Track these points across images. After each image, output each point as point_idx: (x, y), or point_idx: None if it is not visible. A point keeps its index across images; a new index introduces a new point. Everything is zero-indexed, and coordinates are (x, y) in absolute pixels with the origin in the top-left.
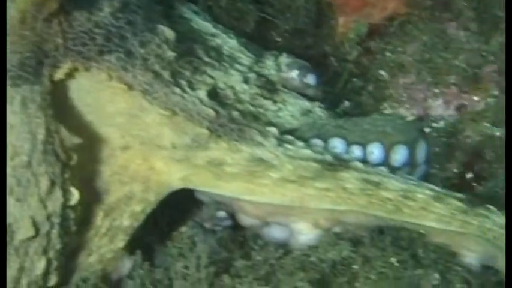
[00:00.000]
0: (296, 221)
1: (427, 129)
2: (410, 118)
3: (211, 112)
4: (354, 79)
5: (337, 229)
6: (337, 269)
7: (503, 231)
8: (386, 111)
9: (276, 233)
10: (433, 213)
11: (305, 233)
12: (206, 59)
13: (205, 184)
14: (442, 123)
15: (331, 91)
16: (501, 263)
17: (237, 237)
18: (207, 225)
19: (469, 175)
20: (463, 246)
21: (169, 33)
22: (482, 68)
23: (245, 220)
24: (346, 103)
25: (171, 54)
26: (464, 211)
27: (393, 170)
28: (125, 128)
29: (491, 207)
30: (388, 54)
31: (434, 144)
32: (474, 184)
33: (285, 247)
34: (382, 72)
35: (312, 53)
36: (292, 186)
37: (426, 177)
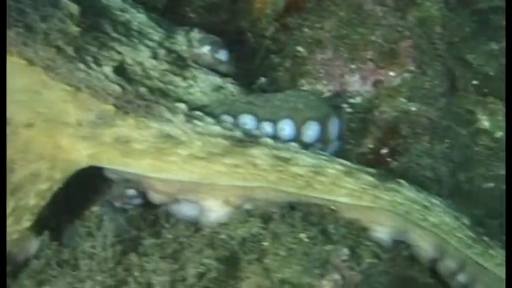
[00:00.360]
0: (206, 199)
1: (343, 105)
2: (327, 94)
3: (117, 88)
4: (271, 55)
5: (247, 206)
6: (247, 246)
7: (415, 206)
8: (304, 88)
9: (186, 210)
10: (344, 188)
11: (215, 210)
12: (113, 34)
13: (113, 162)
14: (358, 99)
15: (248, 67)
16: (412, 237)
17: (148, 215)
18: (117, 203)
19: (384, 150)
20: (374, 221)
21: (73, 7)
22: (398, 44)
23: (155, 198)
24: (263, 79)
25: (75, 29)
26: (375, 186)
27: (305, 146)
28: (28, 105)
29: (403, 181)
30: (305, 30)
31: (351, 120)
32: (389, 159)
33: (196, 225)
34: (300, 48)
35: (228, 29)
36: (201, 163)
37: (340, 153)
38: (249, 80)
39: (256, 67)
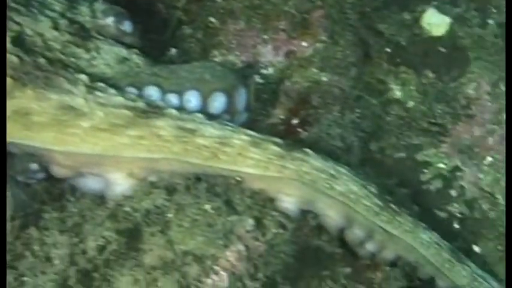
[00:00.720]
0: (111, 171)
1: (255, 76)
2: (239, 65)
3: (15, 59)
4: (183, 26)
5: (152, 178)
6: (150, 218)
7: (321, 175)
8: (216, 59)
9: (91, 184)
10: (250, 158)
11: (120, 183)
12: (12, 4)
13: (13, 135)
14: (271, 70)
15: (159, 39)
16: (319, 206)
17: (54, 189)
18: (20, 178)
19: (295, 121)
20: (280, 191)
21: None
22: (310, 14)
23: (58, 172)
24: (174, 51)
25: None
26: (282, 156)
27: (212, 117)
28: None
29: (309, 150)
30: (217, 0)
31: (262, 90)
32: (299, 130)
33: (101, 198)
34: (212, 19)
35: (139, 0)
36: (104, 134)
37: (250, 124)
38: (159, 51)
39: (167, 38)
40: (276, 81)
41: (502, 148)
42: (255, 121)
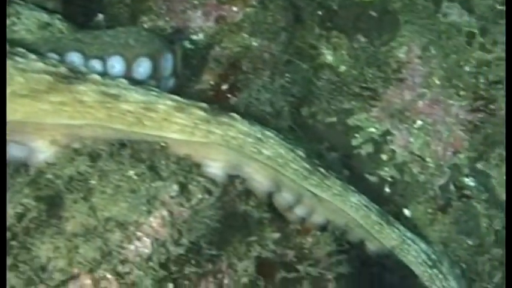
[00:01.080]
0: (33, 139)
1: (184, 42)
2: (169, 31)
3: None
4: None
5: (76, 145)
6: (73, 185)
7: (248, 139)
8: (145, 25)
9: (13, 152)
10: (176, 124)
11: (43, 151)
12: None
13: None
14: (201, 35)
15: (85, 4)
16: (247, 171)
17: None
18: None
19: (225, 86)
20: (206, 156)
21: None
22: None
23: None
24: (100, 16)
25: None
26: (208, 120)
27: (137, 83)
28: None
29: (235, 115)
30: None
31: (192, 56)
32: (229, 95)
33: (25, 166)
34: None
35: None
36: (25, 100)
37: (178, 90)
38: (86, 17)
39: (94, 4)
40: (205, 47)
41: (432, 111)
42: (183, 87)
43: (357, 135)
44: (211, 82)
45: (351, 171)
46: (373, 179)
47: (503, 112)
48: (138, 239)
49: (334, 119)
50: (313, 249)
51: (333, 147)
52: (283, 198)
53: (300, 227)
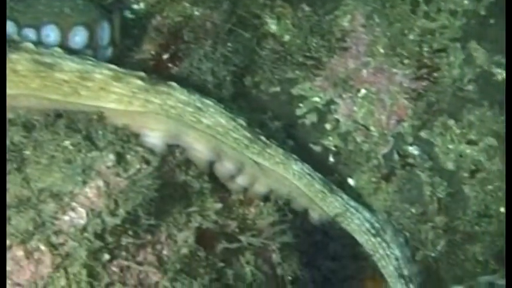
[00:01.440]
0: None
1: (126, 11)
2: (108, 0)
3: None
4: None
5: (9, 115)
6: (7, 156)
7: (187, 108)
8: None
9: None
10: (113, 93)
11: None
12: None
13: None
14: (142, 5)
15: None
16: (186, 140)
17: None
18: None
19: (166, 56)
20: (145, 126)
21: None
22: None
23: None
24: None
25: None
26: (146, 90)
27: (73, 52)
28: None
29: (174, 84)
30: None
31: (132, 25)
32: (170, 65)
33: None
34: None
35: None
36: None
37: (118, 60)
38: None
39: None
40: (146, 16)
41: (376, 80)
42: (123, 57)
43: (300, 104)
44: (152, 52)
45: (295, 141)
46: (317, 148)
47: (446, 80)
48: (73, 209)
49: (277, 89)
50: (256, 220)
51: (276, 117)
52: (225, 167)
53: (242, 198)
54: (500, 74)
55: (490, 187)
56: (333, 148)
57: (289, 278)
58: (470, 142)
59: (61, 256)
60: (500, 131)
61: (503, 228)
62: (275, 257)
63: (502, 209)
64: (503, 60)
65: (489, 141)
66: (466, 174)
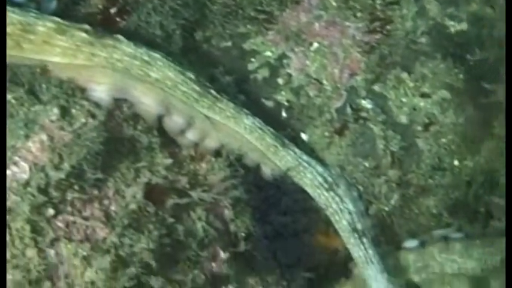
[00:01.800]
0: None
1: None
2: None
3: None
4: None
5: None
6: None
7: (134, 61)
8: None
9: None
10: (57, 46)
11: None
12: None
13: None
14: None
15: None
16: (134, 94)
17: None
18: None
19: (113, 10)
20: (91, 80)
21: None
22: None
23: None
24: None
25: None
26: (91, 43)
27: (14, 4)
28: None
29: (120, 37)
30: None
31: None
32: (118, 19)
33: None
34: None
35: None
36: None
37: (63, 13)
38: None
39: None
40: None
41: (328, 33)
42: (69, 10)
43: (252, 59)
44: (100, 6)
45: (247, 96)
46: (269, 103)
47: (399, 32)
48: (15, 163)
49: (229, 44)
50: (208, 175)
51: (228, 71)
52: (174, 121)
53: (193, 153)
54: (453, 26)
55: (443, 140)
56: (286, 103)
57: (242, 234)
58: (423, 95)
59: None
60: (454, 83)
61: (456, 181)
62: (227, 213)
63: (456, 162)
64: (457, 13)
65: (442, 94)
66: (419, 128)
